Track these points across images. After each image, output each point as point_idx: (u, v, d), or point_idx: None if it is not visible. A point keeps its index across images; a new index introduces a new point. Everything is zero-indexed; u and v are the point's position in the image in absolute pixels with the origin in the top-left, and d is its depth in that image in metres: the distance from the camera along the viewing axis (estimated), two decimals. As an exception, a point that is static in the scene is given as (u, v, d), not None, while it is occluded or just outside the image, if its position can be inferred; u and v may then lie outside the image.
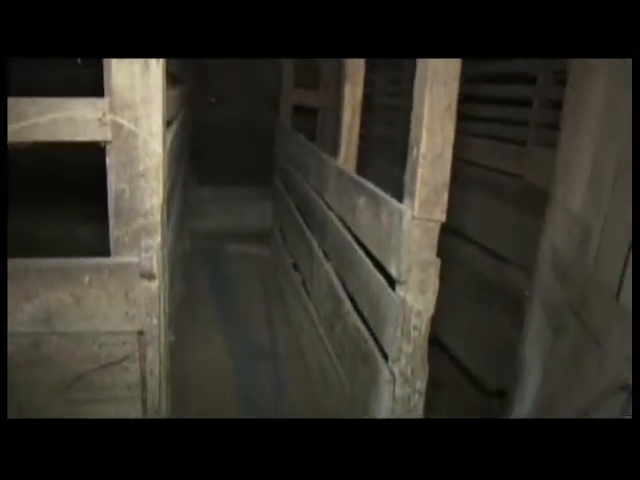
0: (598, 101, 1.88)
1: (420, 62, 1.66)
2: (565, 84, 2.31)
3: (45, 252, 1.61)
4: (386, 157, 5.86)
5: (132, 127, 1.45)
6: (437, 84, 1.61)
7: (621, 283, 1.51)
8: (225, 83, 8.66)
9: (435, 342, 3.45)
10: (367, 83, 5.97)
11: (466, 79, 4.82)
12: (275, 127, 5.23)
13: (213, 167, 7.64)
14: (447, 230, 1.77)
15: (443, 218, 1.72)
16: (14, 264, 1.48)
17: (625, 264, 1.50)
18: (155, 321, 1.59)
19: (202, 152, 7.03)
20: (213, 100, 8.12)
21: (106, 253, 1.58)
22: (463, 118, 4.77)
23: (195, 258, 4.96)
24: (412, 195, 1.71)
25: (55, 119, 1.39)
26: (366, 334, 2.11)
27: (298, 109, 5.20)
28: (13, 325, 1.51)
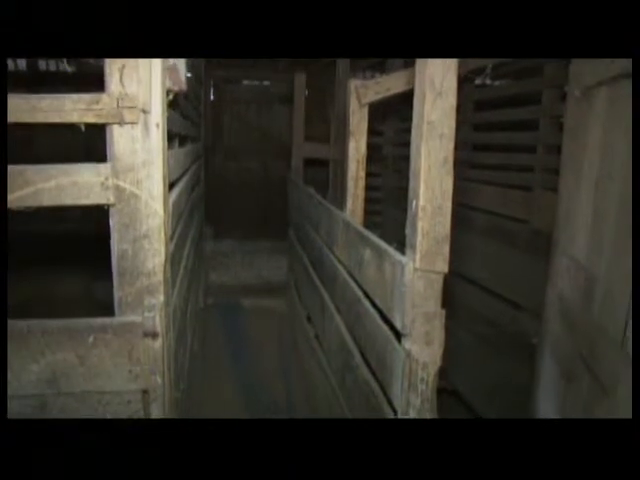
0: (595, 146, 1.90)
1: (416, 115, 1.69)
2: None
3: (64, 310, 1.64)
4: (400, 206, 5.91)
5: (134, 190, 1.49)
6: (433, 138, 1.63)
7: (626, 330, 1.49)
8: (240, 138, 8.88)
9: (451, 392, 3.42)
10: (377, 134, 6.09)
11: (473, 128, 4.92)
12: (287, 180, 5.32)
13: (229, 220, 7.75)
14: (458, 277, 1.78)
15: (446, 269, 1.72)
16: (19, 326, 1.50)
17: (628, 311, 1.49)
18: (159, 379, 1.59)
19: (218, 206, 7.14)
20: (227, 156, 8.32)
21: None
22: (472, 166, 4.83)
23: (211, 313, 4.97)
24: (414, 247, 1.72)
25: (59, 184, 1.44)
26: (375, 387, 2.09)
27: (313, 161, 5.30)
28: (20, 387, 1.52)
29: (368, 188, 2.96)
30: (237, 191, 8.50)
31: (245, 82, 9.15)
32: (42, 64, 6.89)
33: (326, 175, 5.39)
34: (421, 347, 1.73)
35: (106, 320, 1.55)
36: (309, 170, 5.30)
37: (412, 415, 1.77)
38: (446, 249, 1.71)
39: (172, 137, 2.19)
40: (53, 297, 4.57)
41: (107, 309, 1.62)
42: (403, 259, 1.77)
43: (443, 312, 1.74)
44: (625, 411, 1.41)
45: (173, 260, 1.90)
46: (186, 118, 3.03)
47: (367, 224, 2.74)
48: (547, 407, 2.09)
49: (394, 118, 6.22)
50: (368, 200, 3.04)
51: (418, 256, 1.69)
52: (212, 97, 8.21)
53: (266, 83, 9.16)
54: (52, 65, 6.79)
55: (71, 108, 1.43)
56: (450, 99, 1.59)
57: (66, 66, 1.51)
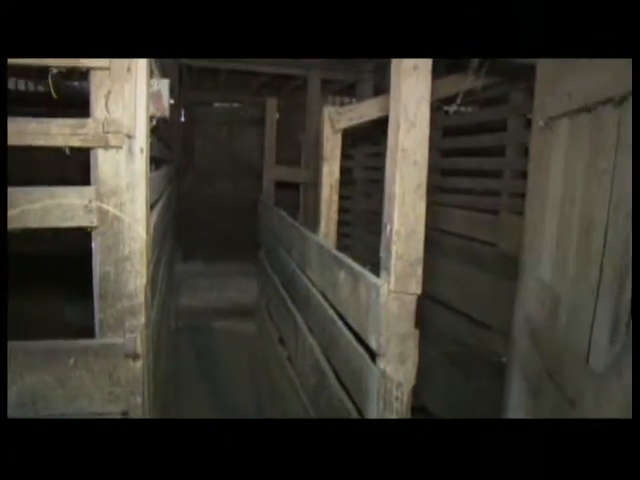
0: (559, 173, 2.00)
1: (390, 143, 1.76)
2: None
3: (37, 333, 1.64)
4: (369, 229, 5.99)
5: (117, 213, 1.52)
6: (407, 165, 1.70)
7: (589, 347, 1.57)
8: (211, 160, 8.89)
9: (421, 410, 3.47)
10: (347, 158, 6.18)
11: (441, 153, 5.03)
12: (258, 203, 5.35)
13: (199, 242, 7.73)
14: (428, 299, 1.82)
15: (419, 291, 1.77)
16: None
17: (592, 329, 1.57)
18: (139, 400, 1.61)
19: (188, 228, 7.12)
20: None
21: (92, 331, 1.61)
22: (441, 190, 4.94)
23: (181, 335, 4.94)
24: (388, 270, 1.77)
25: (45, 206, 1.46)
26: (349, 407, 2.12)
27: (283, 183, 5.35)
28: (-2, 409, 1.52)
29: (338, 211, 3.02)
30: (207, 213, 8.49)
31: (216, 104, 9.21)
32: (21, 84, 6.90)
33: (294, 197, 5.44)
34: (396, 366, 1.78)
35: (88, 342, 1.57)
36: (278, 192, 5.35)
37: (387, 433, 1.81)
38: (419, 271, 1.77)
39: (151, 160, 2.22)
40: (24, 320, 4.49)
41: (79, 332, 1.63)
42: (378, 281, 1.81)
43: (417, 332, 1.79)
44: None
45: (152, 282, 1.92)
46: (160, 140, 3.06)
47: (338, 246, 2.79)
48: (516, 424, 2.16)
49: (364, 142, 6.33)
50: (338, 223, 3.10)
51: (393, 278, 1.74)
52: (183, 119, 8.23)
53: (236, 105, 9.24)
54: (31, 86, 6.81)
55: (57, 132, 1.46)
56: (423, 128, 1.66)
57: (52, 91, 1.53)
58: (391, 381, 1.78)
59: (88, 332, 1.63)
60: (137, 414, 1.61)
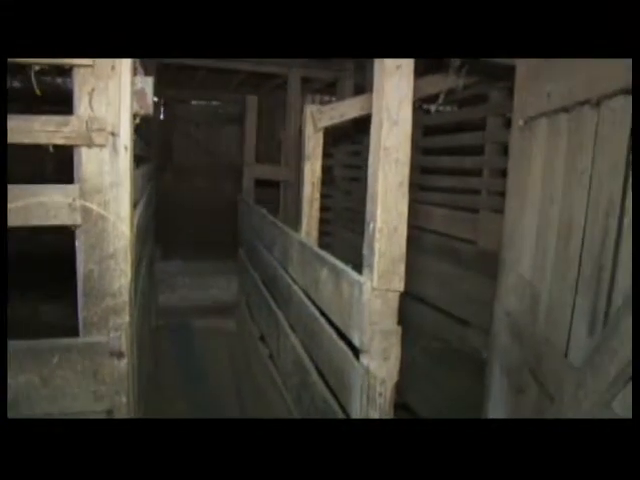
0: (537, 172, 2.03)
1: (373, 142, 1.77)
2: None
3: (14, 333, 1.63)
4: (349, 227, 6.02)
5: (101, 211, 1.52)
6: (389, 162, 1.71)
7: (569, 341, 1.60)
8: (189, 157, 8.84)
9: (403, 407, 3.50)
10: (327, 156, 6.19)
11: (421, 151, 5.06)
12: (238, 201, 5.33)
13: (178, 241, 7.67)
14: (409, 296, 1.83)
15: (401, 288, 1.79)
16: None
17: (571, 324, 1.60)
18: (124, 399, 1.60)
19: (167, 226, 7.08)
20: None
21: (71, 330, 1.61)
22: (421, 188, 4.96)
23: (162, 333, 4.91)
24: (371, 267, 1.78)
25: (27, 205, 1.45)
26: (333, 403, 2.13)
27: (262, 181, 5.34)
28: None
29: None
30: (186, 211, 8.45)
31: (194, 102, 9.17)
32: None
33: (274, 195, 5.44)
34: (379, 363, 1.80)
35: (72, 341, 1.56)
36: (258, 190, 5.34)
37: (370, 429, 1.83)
38: (402, 268, 1.79)
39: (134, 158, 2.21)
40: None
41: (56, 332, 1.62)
42: (361, 279, 1.83)
43: (399, 329, 1.81)
44: (571, 415, 1.51)
45: (135, 280, 1.91)
46: (142, 138, 3.05)
47: (319, 244, 2.80)
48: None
49: (344, 141, 6.34)
50: (319, 221, 3.11)
51: (376, 275, 1.76)
52: (162, 116, 8.18)
53: (215, 103, 9.21)
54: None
55: (39, 129, 1.45)
56: (405, 127, 1.68)
57: (35, 88, 1.52)
58: (374, 377, 1.80)
59: (69, 332, 1.62)
60: (122, 413, 1.60)
